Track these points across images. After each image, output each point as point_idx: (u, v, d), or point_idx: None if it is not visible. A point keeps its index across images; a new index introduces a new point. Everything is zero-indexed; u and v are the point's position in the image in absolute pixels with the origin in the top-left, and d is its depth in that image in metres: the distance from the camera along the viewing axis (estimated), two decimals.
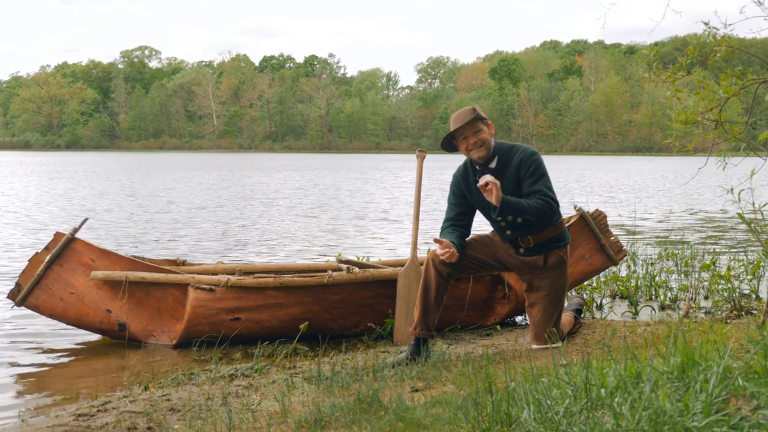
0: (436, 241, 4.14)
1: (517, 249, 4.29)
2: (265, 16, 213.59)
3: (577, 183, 26.49)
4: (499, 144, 4.25)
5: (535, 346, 4.31)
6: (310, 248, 9.77)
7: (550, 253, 4.27)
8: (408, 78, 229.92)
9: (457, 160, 4.37)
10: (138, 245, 9.81)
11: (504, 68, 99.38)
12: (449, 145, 4.27)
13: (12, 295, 4.93)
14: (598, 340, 4.36)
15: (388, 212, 15.31)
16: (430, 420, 2.64)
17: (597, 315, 5.61)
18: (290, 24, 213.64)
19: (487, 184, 3.93)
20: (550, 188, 4.14)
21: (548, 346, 4.23)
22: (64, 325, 5.15)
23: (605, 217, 5.30)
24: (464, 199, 4.32)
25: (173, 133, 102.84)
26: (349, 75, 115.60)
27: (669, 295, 6.16)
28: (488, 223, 4.41)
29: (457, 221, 4.30)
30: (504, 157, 4.20)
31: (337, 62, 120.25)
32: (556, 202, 4.15)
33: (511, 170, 4.16)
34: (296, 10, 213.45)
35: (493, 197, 3.92)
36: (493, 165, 4.20)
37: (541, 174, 4.13)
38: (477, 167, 4.25)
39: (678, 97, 4.23)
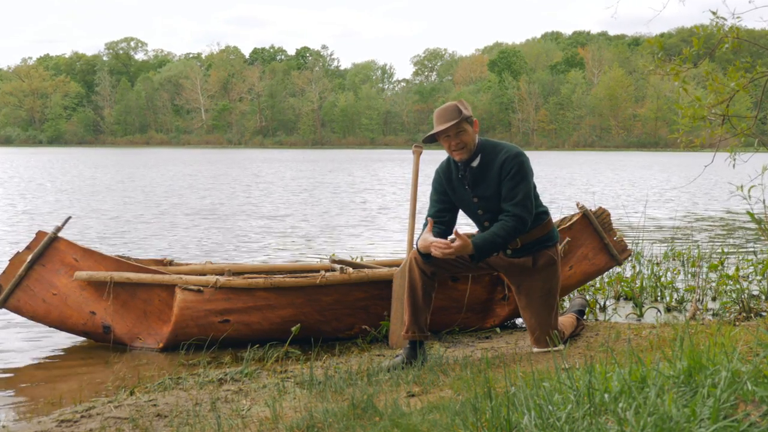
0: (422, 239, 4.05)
1: (505, 250, 4.20)
2: (252, 5, 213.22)
3: (580, 180, 26.50)
4: (483, 142, 4.14)
5: (536, 350, 4.26)
6: (302, 248, 9.71)
7: (539, 254, 4.20)
8: (404, 71, 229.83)
9: None
10: (123, 245, 9.72)
11: (504, 60, 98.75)
12: (431, 138, 4.18)
13: None
14: (602, 343, 4.32)
15: (383, 210, 15.28)
16: (427, 426, 2.59)
17: (600, 317, 5.54)
18: (278, 13, 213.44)
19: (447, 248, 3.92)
20: (528, 196, 4.02)
21: (550, 349, 4.18)
22: (46, 328, 5.06)
23: (609, 215, 5.26)
24: (446, 195, 4.24)
25: (160, 128, 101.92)
26: (342, 67, 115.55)
27: (675, 296, 6.09)
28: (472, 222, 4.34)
29: (438, 218, 4.20)
30: (487, 156, 4.10)
31: (330, 54, 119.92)
32: (530, 213, 4.03)
33: (493, 170, 4.07)
34: None
35: (461, 252, 3.90)
36: (475, 164, 4.11)
37: (521, 178, 4.01)
38: (459, 165, 4.16)
39: (685, 89, 4.10)
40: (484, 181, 4.07)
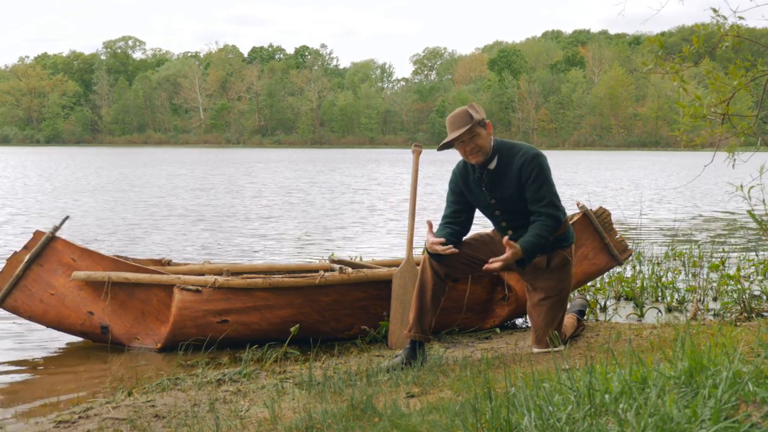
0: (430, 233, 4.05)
1: None
2: (251, 3, 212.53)
3: (581, 179, 26.48)
4: (499, 143, 4.13)
5: (536, 350, 4.23)
6: (301, 248, 9.70)
7: (553, 254, 4.17)
8: (403, 70, 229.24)
9: (454, 154, 4.22)
10: (121, 244, 9.69)
11: (504, 59, 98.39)
12: (446, 146, 4.17)
13: None
14: (602, 344, 4.29)
15: (382, 210, 15.25)
16: (427, 427, 2.58)
17: (601, 317, 5.52)
18: (277, 12, 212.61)
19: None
20: (555, 195, 4.05)
21: (550, 349, 4.15)
22: (44, 328, 5.03)
23: (609, 215, 5.23)
24: (462, 196, 4.23)
25: (158, 128, 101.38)
26: (341, 66, 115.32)
27: (676, 296, 6.04)
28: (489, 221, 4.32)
29: (454, 219, 4.21)
30: (505, 157, 4.09)
31: (329, 53, 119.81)
32: (562, 212, 4.07)
33: (512, 172, 4.06)
34: None
35: (513, 260, 3.91)
36: (492, 166, 4.10)
37: (543, 180, 4.01)
38: (476, 167, 4.14)
39: (684, 89, 4.08)
40: (502, 183, 4.06)
